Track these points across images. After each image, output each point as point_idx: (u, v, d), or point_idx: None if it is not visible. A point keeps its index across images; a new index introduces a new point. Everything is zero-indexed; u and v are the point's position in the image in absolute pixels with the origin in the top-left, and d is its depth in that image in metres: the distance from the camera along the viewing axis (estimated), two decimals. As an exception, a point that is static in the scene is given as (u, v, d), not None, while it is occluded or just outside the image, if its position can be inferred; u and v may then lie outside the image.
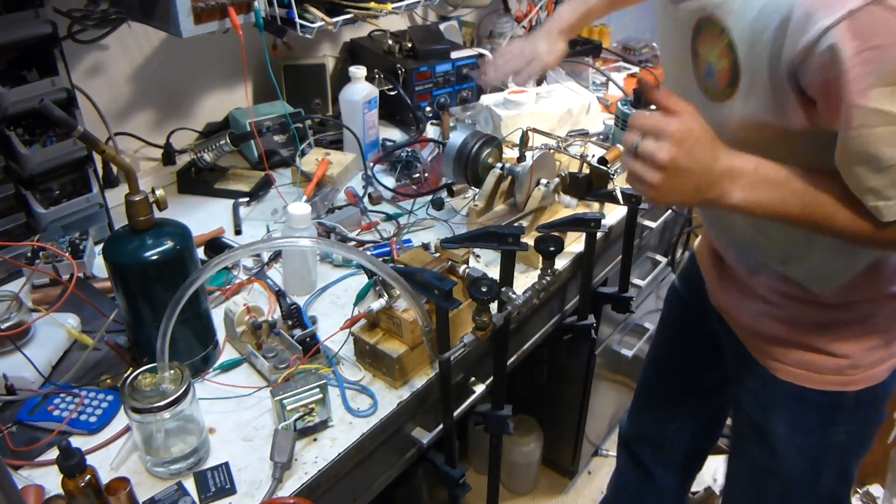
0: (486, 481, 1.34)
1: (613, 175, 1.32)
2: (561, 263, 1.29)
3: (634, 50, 2.17)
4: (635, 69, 2.09)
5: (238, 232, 1.38)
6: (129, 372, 0.95)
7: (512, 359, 1.31)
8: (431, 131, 1.71)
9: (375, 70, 1.71)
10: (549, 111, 1.62)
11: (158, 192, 0.94)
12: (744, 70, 0.82)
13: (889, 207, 0.78)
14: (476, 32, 2.15)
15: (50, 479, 0.86)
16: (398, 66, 1.72)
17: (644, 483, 1.54)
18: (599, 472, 2.17)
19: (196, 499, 0.85)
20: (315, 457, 0.92)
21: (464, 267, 1.06)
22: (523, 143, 1.32)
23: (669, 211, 1.62)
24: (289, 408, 0.91)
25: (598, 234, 1.29)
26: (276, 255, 1.28)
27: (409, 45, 1.77)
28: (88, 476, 0.75)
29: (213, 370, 1.04)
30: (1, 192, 1.18)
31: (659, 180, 0.78)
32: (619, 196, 1.30)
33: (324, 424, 0.95)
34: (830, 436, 1.07)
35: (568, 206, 1.32)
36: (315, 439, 0.94)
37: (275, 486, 0.87)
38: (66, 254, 1.15)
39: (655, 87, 0.80)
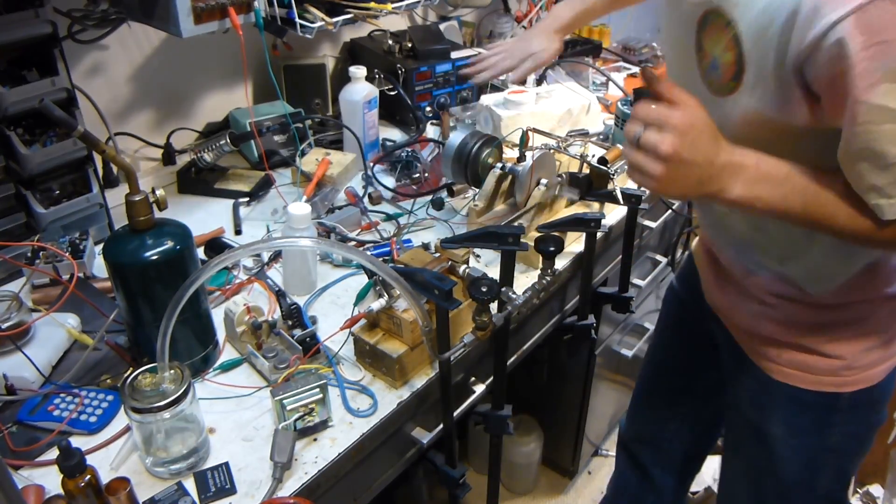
0: (486, 481, 1.34)
1: (613, 175, 1.32)
2: (561, 263, 1.29)
3: (634, 50, 2.17)
4: (635, 69, 2.09)
5: (238, 232, 1.38)
6: (129, 372, 0.95)
7: (512, 359, 1.31)
8: (431, 131, 1.71)
9: (375, 70, 1.71)
10: (549, 111, 1.62)
11: (158, 192, 0.94)
12: (749, 63, 0.81)
13: (891, 206, 0.78)
14: (476, 32, 2.15)
15: (50, 479, 0.86)
16: (398, 66, 1.72)
17: (643, 484, 1.54)
18: (599, 472, 2.17)
19: (196, 499, 0.85)
20: (315, 457, 0.92)
21: (464, 267, 1.06)
22: (523, 143, 1.32)
23: (669, 211, 1.62)
24: (289, 408, 0.91)
25: (598, 234, 1.29)
26: (276, 255, 1.28)
27: (409, 45, 1.77)
28: (88, 476, 0.75)
29: (213, 370, 1.04)
30: (1, 192, 1.18)
31: (661, 172, 0.77)
32: (619, 196, 1.30)
33: (324, 424, 0.95)
34: (826, 437, 1.07)
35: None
36: (315, 439, 0.94)
37: (275, 486, 0.87)
38: (66, 254, 1.15)
39: (659, 78, 0.79)
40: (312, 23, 1.39)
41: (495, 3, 2.13)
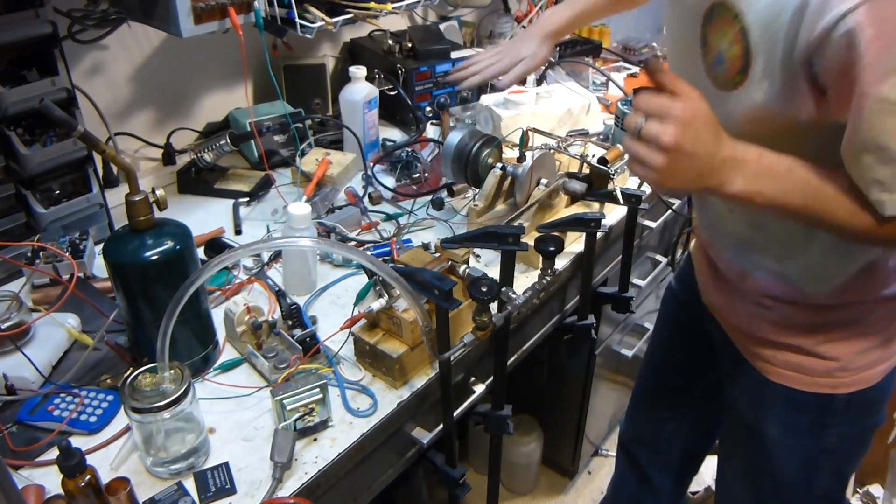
0: (486, 481, 1.34)
1: (613, 175, 1.32)
2: (561, 263, 1.29)
3: (634, 50, 2.17)
4: (635, 69, 2.09)
5: (238, 232, 1.38)
6: (129, 372, 0.95)
7: (512, 359, 1.31)
8: (431, 131, 1.71)
9: (375, 70, 1.71)
10: (549, 111, 1.62)
11: (158, 192, 0.94)
12: (756, 56, 0.81)
13: (893, 201, 0.77)
14: (476, 32, 2.15)
15: (50, 479, 0.86)
16: (398, 66, 1.72)
17: (641, 485, 1.54)
18: (599, 472, 2.17)
19: (196, 499, 0.85)
20: (315, 457, 0.92)
21: (464, 267, 1.06)
22: (523, 143, 1.32)
23: (669, 211, 1.62)
24: (289, 408, 0.91)
25: (598, 234, 1.29)
26: (276, 255, 1.28)
27: (409, 45, 1.77)
28: (88, 476, 0.75)
29: (213, 370, 1.04)
30: (1, 192, 1.18)
31: (662, 163, 0.76)
32: (619, 196, 1.30)
33: (324, 424, 0.95)
34: (823, 438, 1.07)
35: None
36: (315, 439, 0.94)
37: (275, 486, 0.87)
38: (67, 254, 1.15)
39: (662, 69, 0.78)
40: (312, 23, 1.38)
41: (495, 3, 2.13)
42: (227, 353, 1.08)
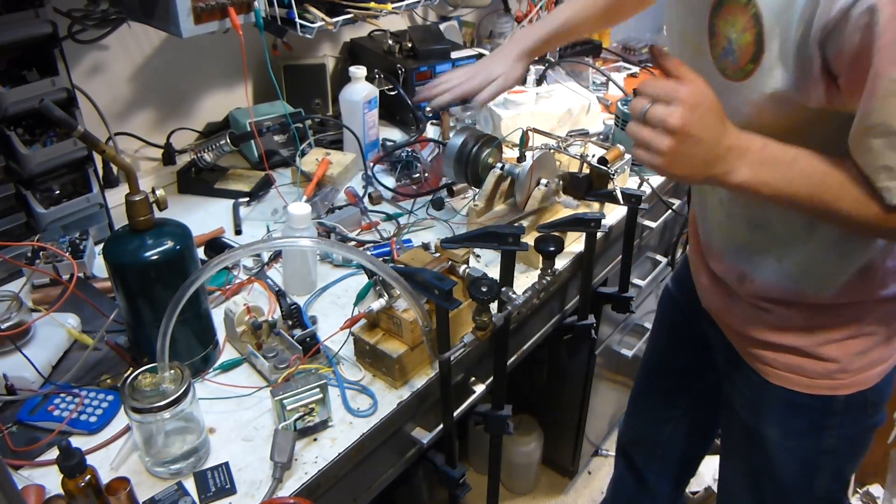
0: (486, 481, 1.34)
1: (613, 175, 1.32)
2: (561, 263, 1.29)
3: (634, 50, 2.17)
4: (635, 69, 2.09)
5: (238, 232, 1.38)
6: (129, 372, 0.95)
7: (512, 359, 1.31)
8: (431, 131, 1.71)
9: (375, 70, 1.71)
10: (549, 111, 1.62)
11: (158, 192, 0.94)
12: (769, 42, 0.79)
13: None
14: (476, 32, 2.15)
15: (50, 479, 0.86)
16: (398, 66, 1.72)
17: (639, 487, 1.54)
18: (599, 472, 2.17)
19: (196, 499, 0.85)
20: (315, 457, 0.92)
21: (464, 267, 1.06)
22: (523, 143, 1.32)
23: (669, 211, 1.62)
24: (289, 408, 0.91)
25: (598, 234, 1.29)
26: (276, 255, 1.28)
27: (409, 45, 1.77)
28: (88, 476, 0.75)
29: (213, 370, 1.04)
30: (1, 192, 1.18)
31: (668, 146, 0.75)
32: (619, 196, 1.30)
33: (324, 424, 0.95)
34: (822, 439, 1.07)
35: (568, 207, 1.32)
36: (315, 439, 0.94)
37: (275, 486, 0.87)
38: (67, 254, 1.15)
39: (667, 55, 0.77)
40: (312, 23, 1.38)
41: (495, 3, 2.13)
42: (228, 353, 1.08)
